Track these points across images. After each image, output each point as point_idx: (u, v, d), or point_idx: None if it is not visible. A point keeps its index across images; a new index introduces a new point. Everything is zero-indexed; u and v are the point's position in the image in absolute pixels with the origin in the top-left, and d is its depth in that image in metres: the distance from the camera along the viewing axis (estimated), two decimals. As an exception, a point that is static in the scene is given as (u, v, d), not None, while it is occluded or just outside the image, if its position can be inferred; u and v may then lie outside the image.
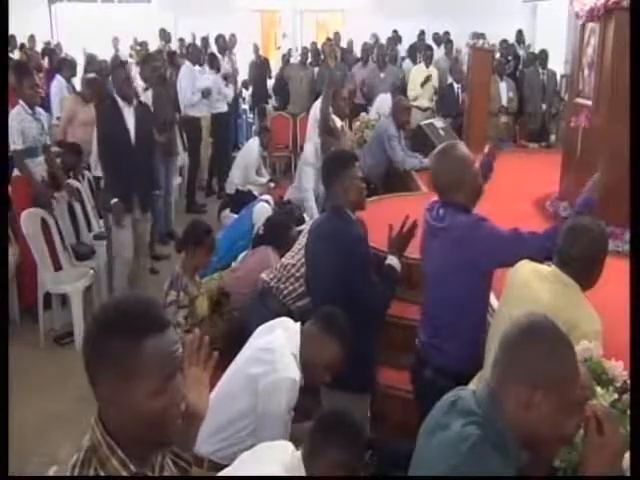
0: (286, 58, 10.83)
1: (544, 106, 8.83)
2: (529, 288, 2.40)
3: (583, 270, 2.35)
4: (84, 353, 1.28)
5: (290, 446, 2.15)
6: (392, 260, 3.03)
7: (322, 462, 2.04)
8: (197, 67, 8.23)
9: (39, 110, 5.14)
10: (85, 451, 1.28)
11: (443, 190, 2.71)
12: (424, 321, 2.92)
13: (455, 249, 2.62)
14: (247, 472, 2.05)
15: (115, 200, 4.90)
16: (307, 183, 5.48)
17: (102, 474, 1.25)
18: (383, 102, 8.61)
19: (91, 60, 9.73)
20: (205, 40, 10.58)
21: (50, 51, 11.62)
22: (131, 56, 12.33)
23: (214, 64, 8.44)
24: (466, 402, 1.64)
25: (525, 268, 2.49)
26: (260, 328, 2.84)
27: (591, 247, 2.35)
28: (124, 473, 1.26)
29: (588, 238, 2.36)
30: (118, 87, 5.04)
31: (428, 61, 9.37)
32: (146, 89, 6.34)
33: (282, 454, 2.10)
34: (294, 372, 2.55)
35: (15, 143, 4.87)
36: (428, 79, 9.01)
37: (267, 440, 2.25)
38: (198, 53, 8.59)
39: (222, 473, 2.19)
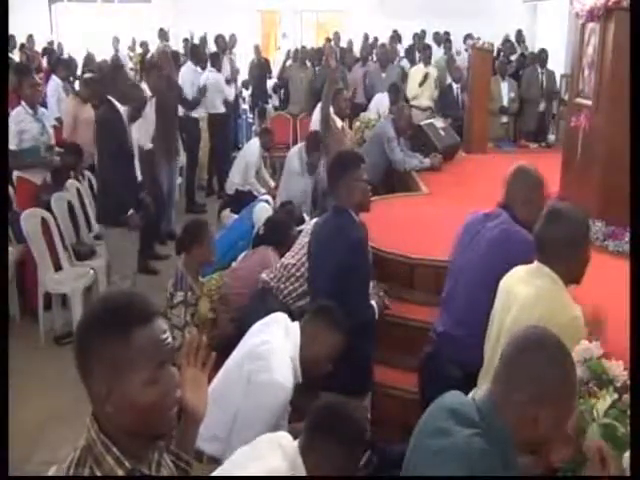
0: (290, 58, 10.77)
1: (542, 106, 8.81)
2: (512, 290, 2.37)
3: (559, 258, 2.25)
4: (76, 354, 1.29)
5: (289, 437, 2.16)
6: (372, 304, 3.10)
7: (319, 454, 2.04)
8: (198, 68, 8.24)
9: (42, 110, 5.14)
10: (80, 450, 1.28)
11: (512, 201, 2.81)
12: (444, 313, 2.95)
13: (494, 252, 2.69)
14: (247, 464, 2.06)
15: (132, 212, 4.66)
16: (298, 184, 5.49)
17: (98, 473, 1.26)
18: (380, 101, 8.61)
19: (89, 60, 9.71)
20: (203, 40, 10.56)
21: (50, 51, 11.62)
22: (131, 58, 12.33)
23: (216, 63, 8.45)
24: (467, 411, 1.63)
25: (514, 270, 2.45)
26: (255, 326, 2.85)
27: (564, 231, 2.25)
28: (119, 471, 1.26)
29: (562, 222, 2.27)
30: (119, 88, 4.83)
31: (427, 61, 9.37)
32: (151, 97, 6.31)
33: (282, 444, 2.10)
34: (287, 378, 2.55)
35: (10, 144, 4.85)
36: (426, 77, 9.01)
37: (248, 438, 2.24)
38: (201, 54, 8.59)
39: (221, 468, 2.19)
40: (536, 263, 2.33)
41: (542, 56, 8.96)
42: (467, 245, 2.89)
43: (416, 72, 9.27)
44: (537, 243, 2.34)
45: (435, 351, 2.90)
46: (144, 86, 6.33)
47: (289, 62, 10.55)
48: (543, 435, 1.57)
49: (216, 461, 2.48)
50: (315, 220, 4.09)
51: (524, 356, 1.59)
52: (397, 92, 8.44)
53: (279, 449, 2.08)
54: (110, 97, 4.72)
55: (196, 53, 8.59)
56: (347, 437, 2.06)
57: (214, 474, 2.16)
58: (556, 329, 2.11)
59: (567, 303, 2.22)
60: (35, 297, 4.87)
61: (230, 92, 8.70)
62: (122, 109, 4.75)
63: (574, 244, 2.26)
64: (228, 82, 8.69)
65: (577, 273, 2.30)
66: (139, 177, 5.17)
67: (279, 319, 2.84)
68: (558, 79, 9.05)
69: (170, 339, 1.32)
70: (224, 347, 3.03)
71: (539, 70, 8.83)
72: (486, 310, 2.50)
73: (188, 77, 7.97)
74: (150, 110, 6.18)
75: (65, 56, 10.70)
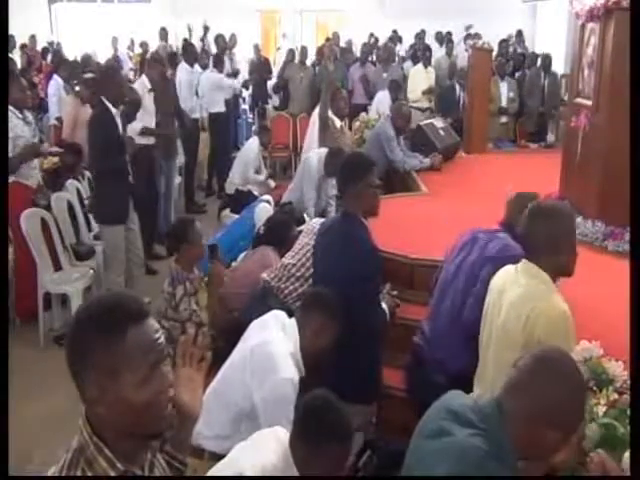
0: (290, 57, 10.76)
1: (542, 108, 8.80)
2: (503, 290, 2.39)
3: (544, 253, 2.26)
4: (67, 356, 1.28)
5: (285, 432, 2.17)
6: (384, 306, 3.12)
7: (305, 450, 2.05)
8: (196, 67, 8.23)
9: (27, 113, 5.12)
10: (72, 453, 1.28)
11: (513, 220, 2.80)
12: (430, 320, 2.96)
13: (489, 267, 2.70)
14: (245, 458, 2.07)
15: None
16: (309, 193, 5.43)
17: (89, 474, 1.25)
18: (381, 100, 8.61)
19: (87, 60, 9.68)
20: (202, 40, 10.55)
21: (55, 52, 11.61)
22: (130, 58, 12.32)
23: (218, 64, 8.44)
24: (468, 412, 1.64)
25: (504, 269, 2.47)
26: (252, 324, 2.85)
27: (545, 226, 2.27)
28: (112, 472, 1.26)
29: (543, 218, 2.29)
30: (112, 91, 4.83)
31: (427, 62, 9.36)
32: (150, 90, 6.33)
33: (279, 438, 2.12)
34: (293, 373, 2.57)
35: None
36: (430, 90, 9.02)
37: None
38: (195, 53, 8.57)
39: (221, 462, 2.20)
40: (523, 261, 2.34)
41: (546, 61, 8.94)
42: (462, 259, 2.91)
43: (417, 73, 9.26)
44: (522, 240, 2.37)
45: (421, 359, 2.93)
46: (144, 79, 6.37)
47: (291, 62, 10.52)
48: (547, 451, 1.59)
49: (218, 458, 2.49)
50: (317, 219, 4.09)
51: (545, 376, 1.59)
52: (398, 89, 8.42)
53: (279, 444, 2.10)
54: (103, 98, 4.73)
55: (190, 52, 8.52)
56: (332, 433, 2.05)
57: (213, 469, 2.17)
58: (545, 325, 2.12)
59: (554, 299, 2.23)
60: (29, 301, 4.85)
61: (236, 85, 8.70)
62: (114, 110, 4.76)
63: (556, 239, 2.27)
64: (229, 76, 8.71)
65: (565, 267, 2.30)
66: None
67: (277, 316, 2.84)
68: (562, 82, 9.01)
69: (162, 338, 1.32)
70: (225, 347, 3.03)
71: (542, 75, 8.81)
72: (469, 320, 2.52)
73: (185, 78, 7.93)
74: (149, 105, 6.19)
75: (65, 56, 10.67)
